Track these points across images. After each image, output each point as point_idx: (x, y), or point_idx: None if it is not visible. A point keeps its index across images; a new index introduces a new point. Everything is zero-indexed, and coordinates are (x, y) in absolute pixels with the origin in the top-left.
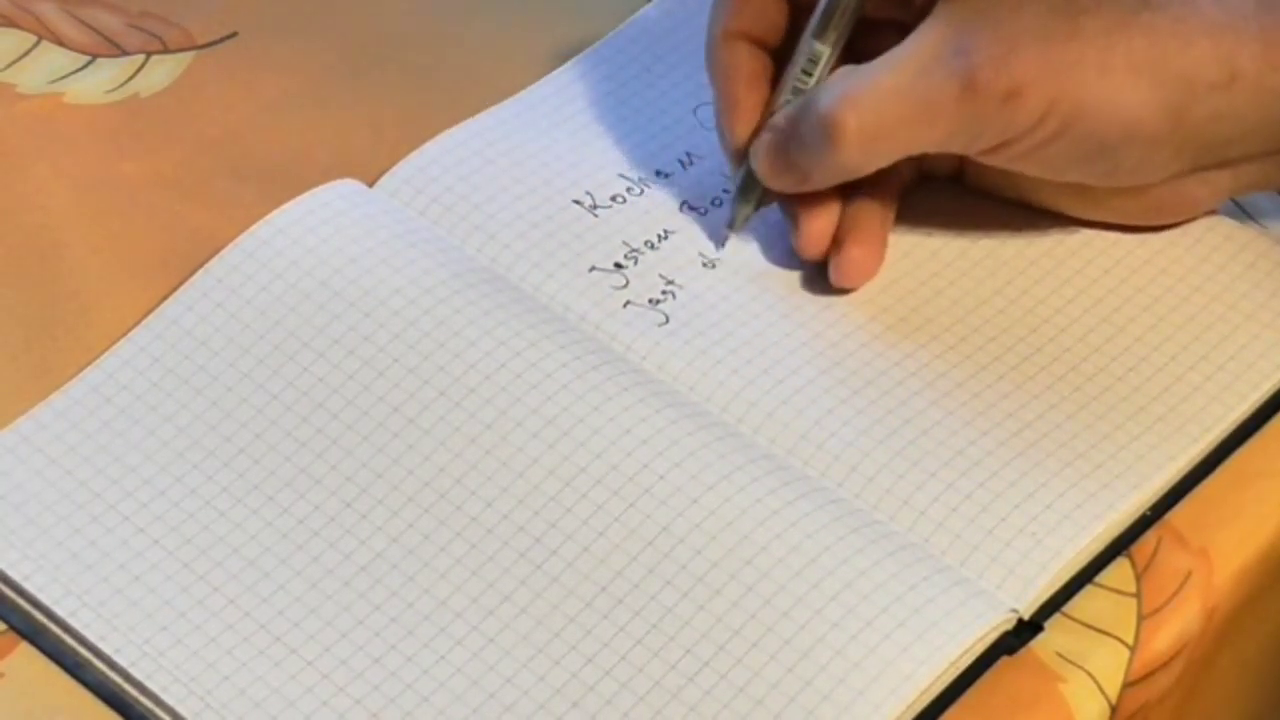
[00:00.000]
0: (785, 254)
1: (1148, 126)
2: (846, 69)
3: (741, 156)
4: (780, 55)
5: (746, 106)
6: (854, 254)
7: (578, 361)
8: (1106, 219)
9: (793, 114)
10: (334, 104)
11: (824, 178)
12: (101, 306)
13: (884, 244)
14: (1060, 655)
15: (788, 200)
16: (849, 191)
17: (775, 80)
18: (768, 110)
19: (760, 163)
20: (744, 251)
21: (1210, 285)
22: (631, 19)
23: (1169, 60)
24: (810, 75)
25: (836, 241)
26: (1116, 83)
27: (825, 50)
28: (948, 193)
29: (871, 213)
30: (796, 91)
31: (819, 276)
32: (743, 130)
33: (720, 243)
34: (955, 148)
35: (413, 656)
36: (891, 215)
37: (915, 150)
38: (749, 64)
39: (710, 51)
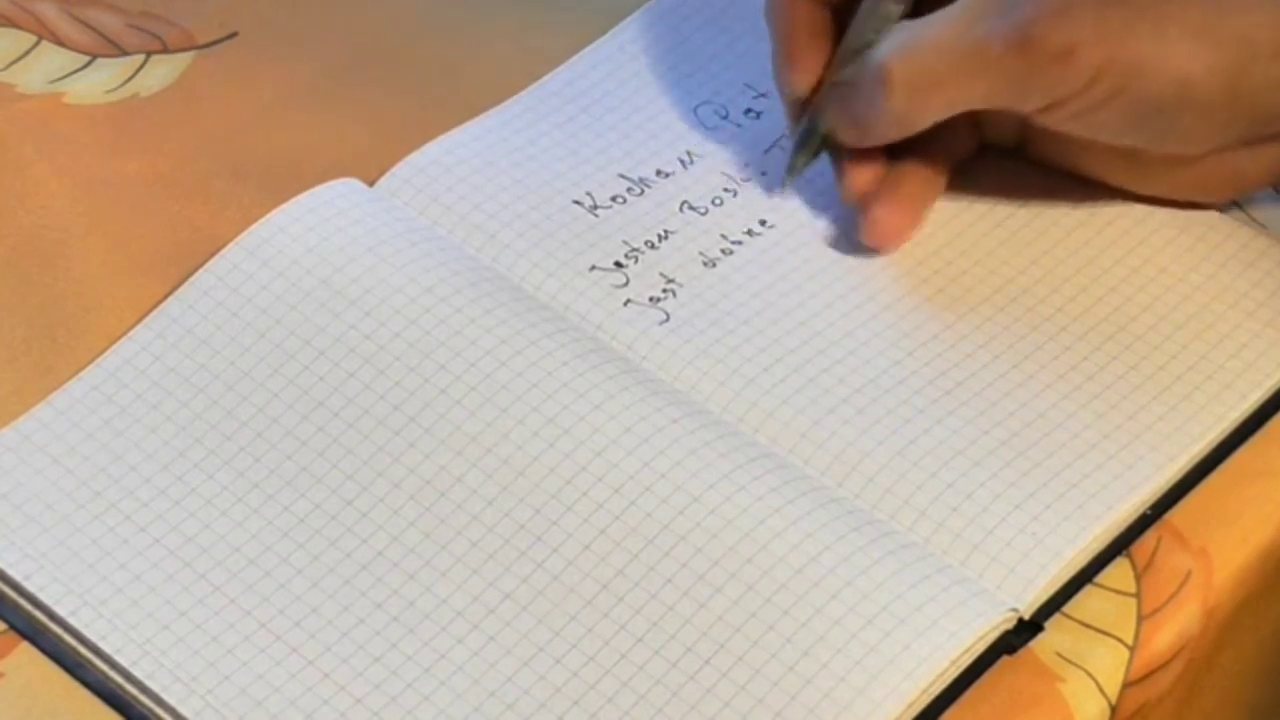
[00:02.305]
0: (784, 254)
1: (1202, 90)
2: (905, 23)
3: (799, 110)
4: (841, 11)
5: (807, 59)
6: (879, 214)
7: (578, 360)
8: (1156, 192)
9: (856, 68)
10: (334, 104)
11: (880, 130)
12: (101, 306)
13: (921, 210)
14: (1060, 655)
15: (836, 155)
16: (898, 153)
17: (836, 35)
18: (831, 65)
19: (832, 114)
20: (744, 251)
21: (1210, 285)
22: (630, 18)
23: (1227, 25)
24: (879, 33)
25: (866, 202)
26: (1172, 45)
27: (898, 9)
28: (949, 190)
29: (914, 177)
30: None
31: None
32: (802, 83)
33: (778, 193)
34: (1006, 104)
35: (414, 655)
36: (939, 183)
37: (966, 105)
38: (809, 17)
39: (770, 5)
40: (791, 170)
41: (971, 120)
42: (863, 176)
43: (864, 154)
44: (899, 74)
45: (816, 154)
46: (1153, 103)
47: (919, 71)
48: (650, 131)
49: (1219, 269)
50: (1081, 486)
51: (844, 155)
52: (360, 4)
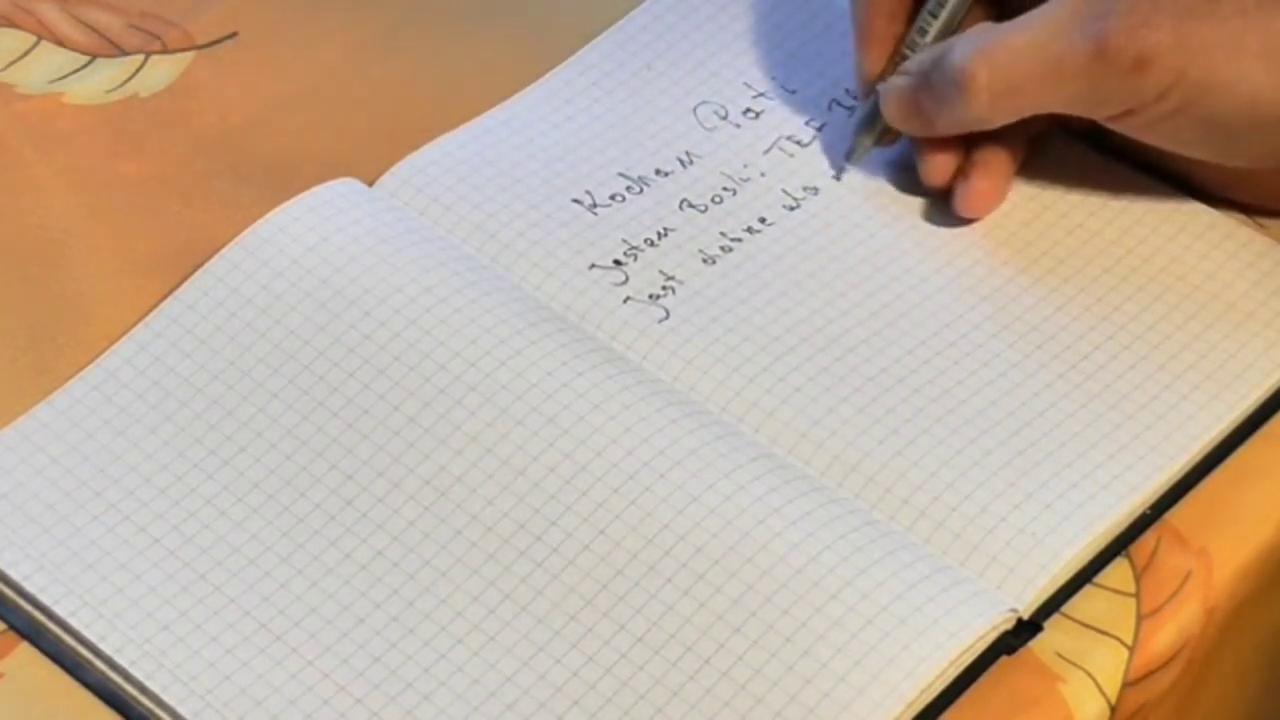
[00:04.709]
0: (783, 252)
1: (1273, 111)
2: (985, 25)
3: (869, 89)
4: None
5: (882, 40)
6: (980, 186)
7: (578, 360)
8: (1234, 197)
9: (926, 62)
10: (334, 104)
11: (949, 127)
12: (101, 306)
13: (1009, 180)
14: (1060, 655)
15: (916, 139)
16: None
17: (913, 18)
18: (900, 46)
19: (889, 105)
20: (744, 249)
21: (1210, 285)
22: (628, 16)
23: None
24: (936, 16)
25: (963, 173)
26: (1246, 66)
27: None
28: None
29: (999, 149)
30: (922, 31)
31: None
32: (874, 63)
33: (838, 173)
34: (1082, 110)
35: (413, 655)
36: (1019, 155)
37: (1043, 109)
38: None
39: None
40: (853, 152)
41: None
42: (945, 161)
43: (944, 140)
44: (982, 79)
45: (880, 139)
46: (1222, 119)
47: (1001, 78)
48: (649, 131)
49: (1219, 269)
50: (1081, 486)
51: (922, 141)
52: (359, 5)
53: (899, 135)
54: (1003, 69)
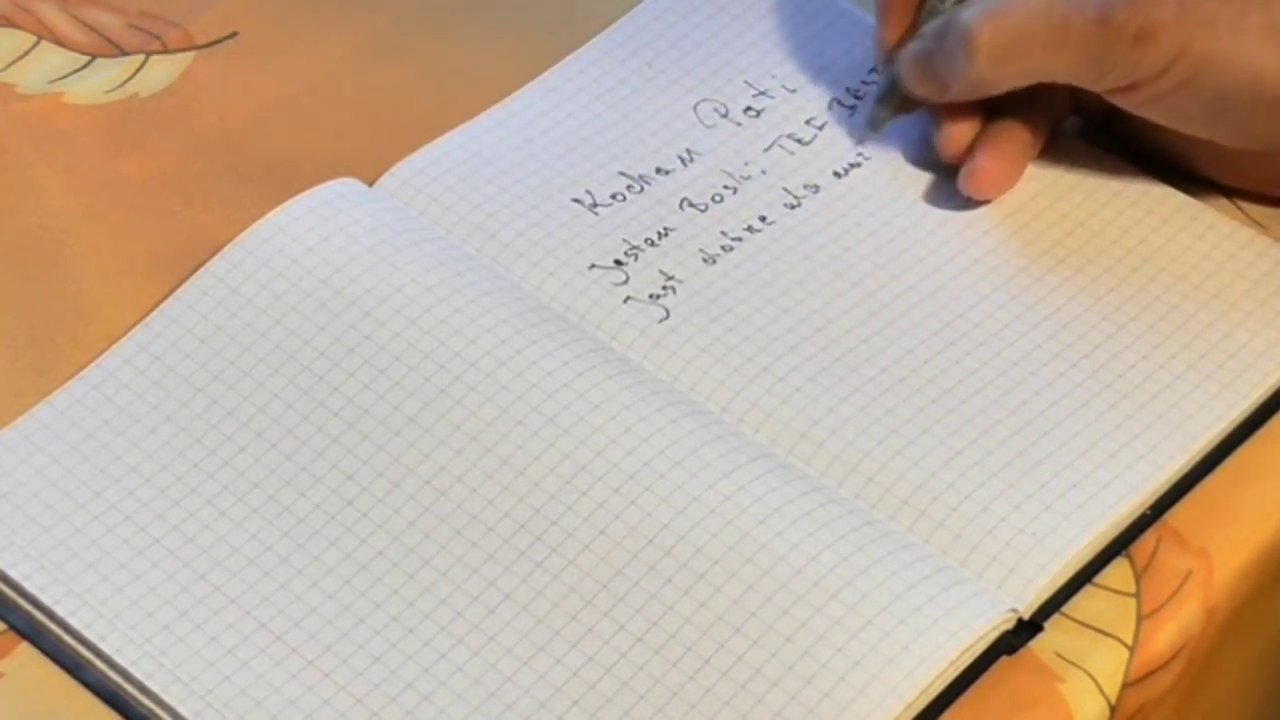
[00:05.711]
0: (784, 251)
1: (1275, 89)
2: None
3: (889, 59)
4: None
5: (900, 11)
6: (986, 166)
7: (578, 360)
8: (1240, 184)
9: (942, 25)
10: (334, 104)
11: (960, 90)
12: (101, 306)
13: (1022, 164)
14: (1060, 655)
15: (934, 112)
16: (998, 109)
17: None
18: (918, 18)
19: (906, 67)
20: (744, 248)
21: (1210, 284)
22: (628, 15)
23: None
24: None
25: (972, 151)
26: (1249, 42)
27: None
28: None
29: (1014, 132)
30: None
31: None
32: (892, 34)
33: (860, 142)
34: (1084, 80)
35: (413, 655)
36: (1038, 141)
37: (1045, 76)
38: None
39: None
40: (873, 122)
41: (1069, 86)
42: (961, 133)
43: (962, 111)
44: (984, 39)
45: (900, 109)
46: (1225, 95)
47: (1002, 39)
48: (650, 129)
49: (1219, 269)
50: (1081, 486)
51: (941, 112)
52: (359, 4)
53: (918, 104)
54: (1005, 31)
